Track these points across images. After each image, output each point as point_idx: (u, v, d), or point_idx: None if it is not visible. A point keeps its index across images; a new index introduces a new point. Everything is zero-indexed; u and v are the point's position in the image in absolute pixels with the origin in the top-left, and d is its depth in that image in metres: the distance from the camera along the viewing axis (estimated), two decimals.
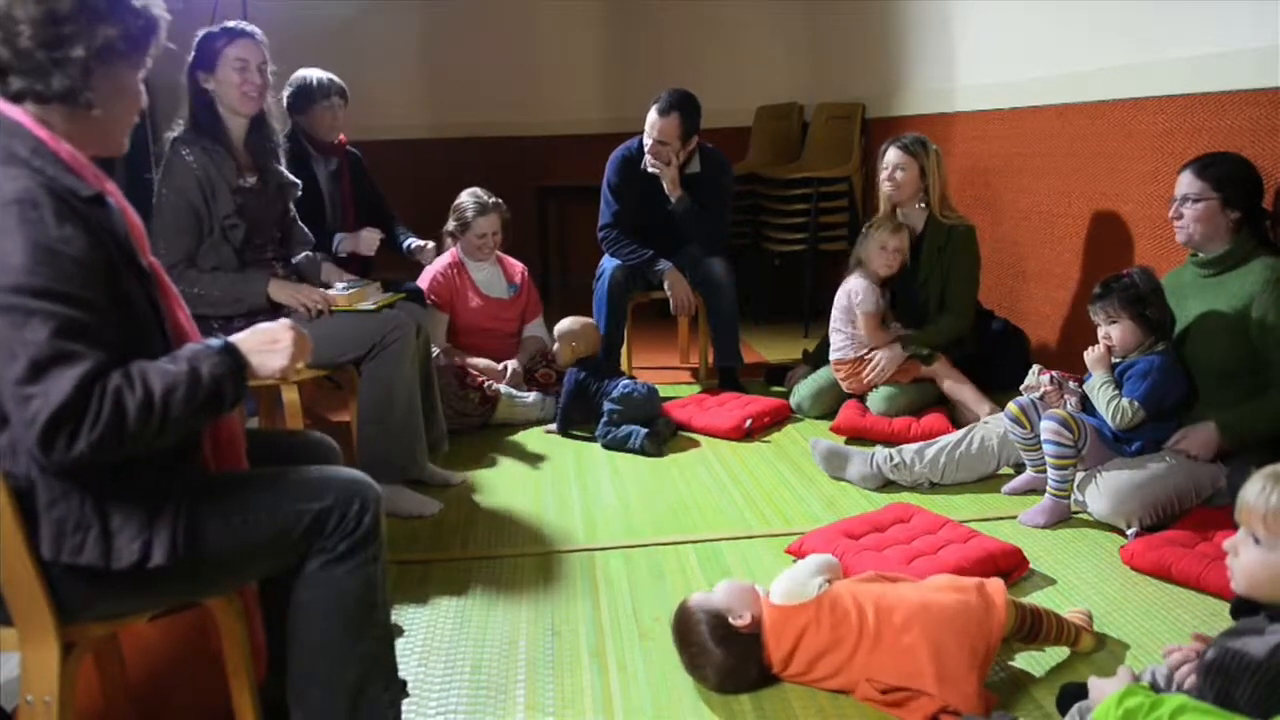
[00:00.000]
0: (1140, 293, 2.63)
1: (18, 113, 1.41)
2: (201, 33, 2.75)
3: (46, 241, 1.31)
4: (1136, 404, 2.60)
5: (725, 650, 1.87)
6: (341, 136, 3.86)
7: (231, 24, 2.78)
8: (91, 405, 1.29)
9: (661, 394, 3.71)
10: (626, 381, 3.54)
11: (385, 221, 3.96)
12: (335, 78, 3.76)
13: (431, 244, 3.99)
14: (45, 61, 1.40)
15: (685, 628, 1.92)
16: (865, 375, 3.55)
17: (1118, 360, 2.70)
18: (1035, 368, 2.90)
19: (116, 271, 1.40)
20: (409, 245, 4.00)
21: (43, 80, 1.41)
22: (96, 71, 1.44)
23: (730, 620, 1.88)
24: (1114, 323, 2.66)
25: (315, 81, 3.70)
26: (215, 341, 1.48)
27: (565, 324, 3.74)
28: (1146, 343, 2.66)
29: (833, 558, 2.11)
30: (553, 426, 3.62)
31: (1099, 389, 2.67)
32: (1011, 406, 2.83)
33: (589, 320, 3.81)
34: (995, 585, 1.88)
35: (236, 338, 1.50)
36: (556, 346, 3.72)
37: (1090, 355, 2.71)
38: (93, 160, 1.48)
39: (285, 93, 3.66)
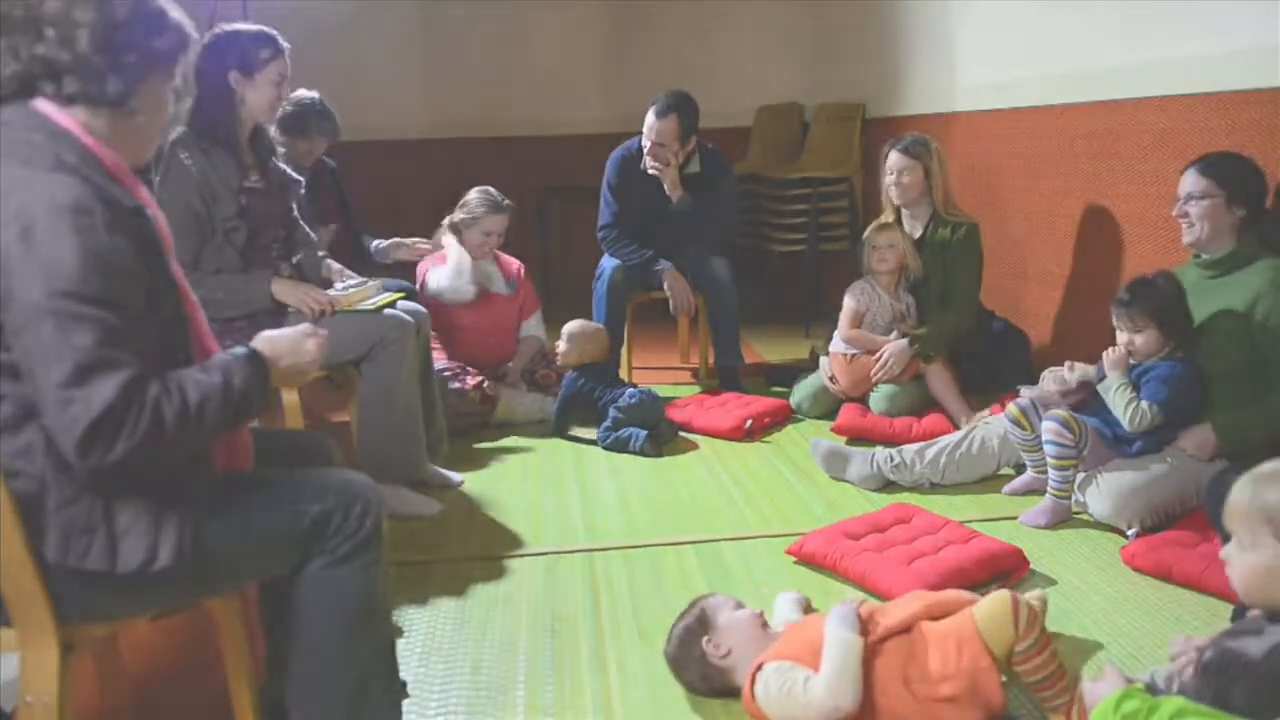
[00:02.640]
0: (1167, 301, 2.61)
1: (65, 119, 1.42)
2: (231, 28, 2.69)
3: (99, 249, 1.33)
4: (1156, 408, 2.58)
5: (708, 687, 1.88)
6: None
7: (271, 33, 2.71)
8: (131, 412, 1.31)
9: (662, 394, 3.70)
10: (632, 390, 3.53)
11: (354, 232, 3.92)
12: (334, 114, 3.69)
13: (418, 240, 3.87)
14: (101, 65, 1.42)
15: (684, 643, 1.89)
16: (873, 372, 3.55)
17: (1134, 363, 2.69)
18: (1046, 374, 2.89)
19: (155, 281, 1.43)
20: (377, 246, 3.90)
21: (98, 83, 1.42)
22: (144, 79, 1.47)
23: (704, 647, 1.85)
24: (1139, 331, 2.63)
25: (315, 117, 3.63)
26: (241, 350, 1.50)
27: (577, 325, 3.72)
28: (1167, 349, 2.65)
29: (852, 650, 1.71)
30: (548, 428, 3.62)
31: (1115, 391, 2.64)
32: (1012, 408, 2.82)
33: (602, 328, 3.80)
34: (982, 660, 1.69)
35: (260, 344, 1.54)
36: (564, 346, 3.68)
37: (1110, 357, 2.68)
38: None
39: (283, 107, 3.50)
